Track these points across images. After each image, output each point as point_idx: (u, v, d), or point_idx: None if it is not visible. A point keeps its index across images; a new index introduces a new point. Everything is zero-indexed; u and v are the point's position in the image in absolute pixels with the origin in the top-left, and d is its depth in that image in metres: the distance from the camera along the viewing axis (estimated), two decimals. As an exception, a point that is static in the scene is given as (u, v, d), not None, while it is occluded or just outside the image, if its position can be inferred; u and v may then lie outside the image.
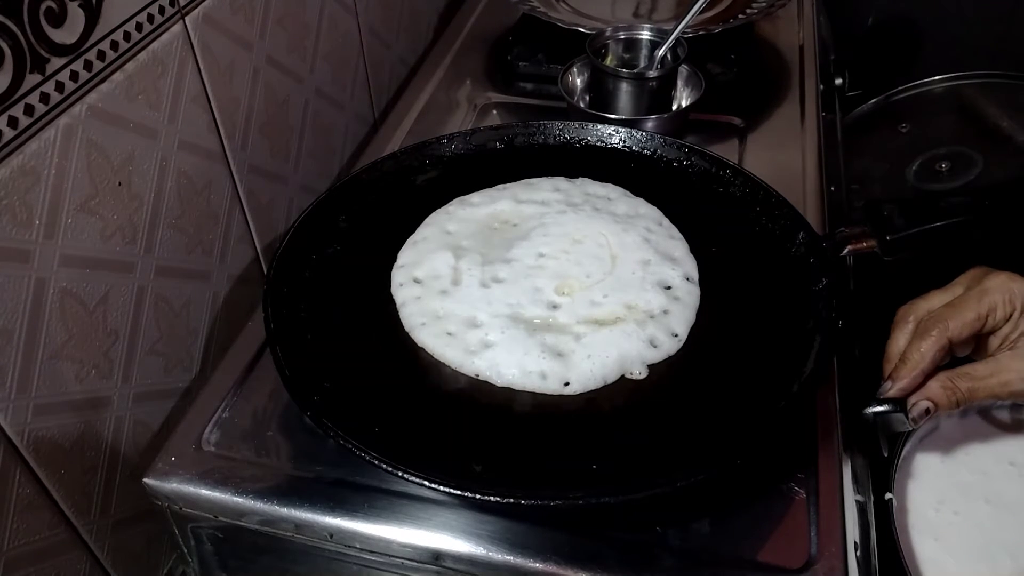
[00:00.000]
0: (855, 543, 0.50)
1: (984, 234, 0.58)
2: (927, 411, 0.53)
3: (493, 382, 0.53)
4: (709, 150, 0.70)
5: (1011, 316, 0.53)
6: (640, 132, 0.73)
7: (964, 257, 0.59)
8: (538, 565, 0.48)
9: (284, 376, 0.51)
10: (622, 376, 0.54)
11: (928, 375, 0.54)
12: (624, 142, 0.73)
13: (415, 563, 0.51)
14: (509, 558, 0.49)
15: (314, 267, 0.61)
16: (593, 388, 0.53)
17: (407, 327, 0.57)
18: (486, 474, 0.47)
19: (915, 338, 0.54)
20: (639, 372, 0.54)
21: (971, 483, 0.63)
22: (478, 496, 0.45)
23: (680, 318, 0.57)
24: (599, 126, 0.74)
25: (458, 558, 0.50)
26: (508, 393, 0.53)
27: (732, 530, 0.50)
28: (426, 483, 0.45)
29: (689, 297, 0.58)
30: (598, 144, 0.73)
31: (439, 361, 0.55)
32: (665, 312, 0.57)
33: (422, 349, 0.56)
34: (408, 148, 0.72)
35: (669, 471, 0.45)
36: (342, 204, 0.66)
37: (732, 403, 0.51)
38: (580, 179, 0.70)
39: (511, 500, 0.45)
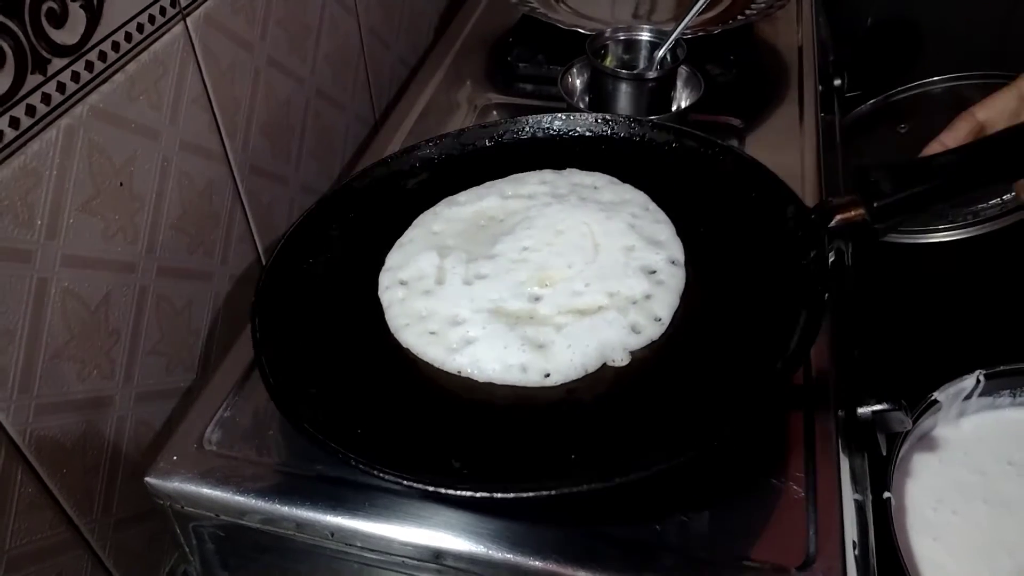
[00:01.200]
0: (853, 542, 0.50)
1: (972, 193, 0.57)
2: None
3: (475, 378, 0.53)
4: (698, 131, 0.69)
5: None
6: (628, 119, 0.72)
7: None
8: (538, 563, 0.48)
9: (268, 384, 0.51)
10: (604, 364, 0.53)
11: None
12: (612, 130, 0.72)
13: (416, 562, 0.51)
14: (509, 556, 0.49)
15: (304, 276, 0.61)
16: (574, 378, 0.53)
17: (392, 329, 0.57)
18: (465, 470, 0.47)
19: (943, 132, 0.54)
20: (620, 359, 0.53)
21: (969, 482, 0.64)
22: (451, 492, 0.45)
23: (663, 302, 0.56)
24: (587, 115, 0.73)
25: (458, 556, 0.50)
26: (490, 388, 0.53)
27: (731, 529, 0.50)
28: (403, 481, 0.45)
29: (673, 280, 0.58)
30: (587, 134, 0.73)
31: (423, 361, 0.55)
32: (648, 297, 0.56)
33: (407, 350, 0.55)
34: (397, 152, 0.72)
35: (645, 458, 0.45)
36: (333, 213, 0.66)
37: (714, 386, 0.51)
38: (568, 170, 0.69)
39: (484, 494, 0.44)
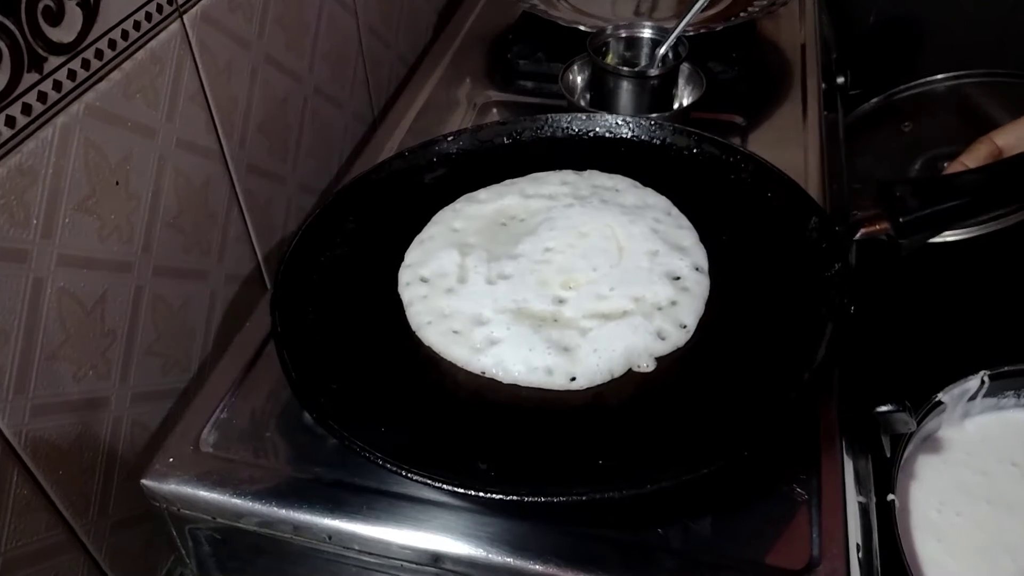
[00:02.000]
0: (857, 544, 0.49)
1: (999, 211, 0.59)
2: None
3: (499, 379, 0.53)
4: (719, 137, 0.69)
5: None
6: (649, 121, 0.71)
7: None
8: (538, 567, 0.48)
9: (291, 378, 0.51)
10: (629, 369, 0.53)
11: None
12: (633, 132, 0.72)
13: (414, 565, 0.51)
14: (509, 560, 0.48)
15: (322, 269, 0.61)
16: (600, 383, 0.52)
17: (414, 326, 0.57)
18: (492, 472, 0.46)
19: (962, 154, 0.56)
20: (646, 365, 0.53)
21: (973, 484, 0.63)
22: (482, 494, 0.44)
23: (688, 309, 0.56)
24: (607, 116, 0.72)
25: (457, 560, 0.49)
26: (514, 390, 0.52)
27: (734, 532, 0.49)
28: (431, 482, 0.45)
29: (698, 287, 0.58)
30: (607, 135, 0.73)
31: (446, 360, 0.54)
32: (673, 303, 0.56)
33: (429, 348, 0.55)
34: (416, 147, 0.71)
35: (674, 465, 0.45)
36: (350, 205, 0.66)
37: (741, 394, 0.50)
38: (588, 171, 0.69)
39: (515, 497, 0.44)
